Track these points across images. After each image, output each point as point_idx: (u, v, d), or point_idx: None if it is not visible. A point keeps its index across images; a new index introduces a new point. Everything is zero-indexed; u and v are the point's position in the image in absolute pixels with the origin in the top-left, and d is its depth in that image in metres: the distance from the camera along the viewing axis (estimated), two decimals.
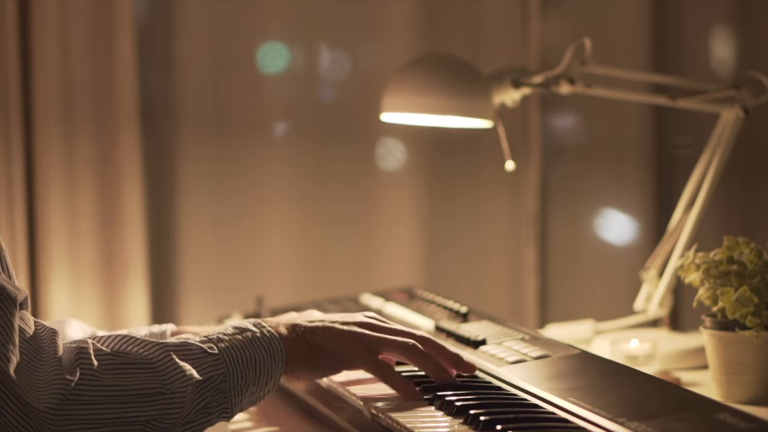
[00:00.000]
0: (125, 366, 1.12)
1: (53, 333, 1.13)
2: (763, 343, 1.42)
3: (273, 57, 2.43)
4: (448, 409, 1.20)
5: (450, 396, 1.22)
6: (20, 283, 2.18)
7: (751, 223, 2.47)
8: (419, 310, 1.68)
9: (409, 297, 1.78)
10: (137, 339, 1.15)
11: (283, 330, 1.22)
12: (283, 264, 2.42)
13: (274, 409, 1.50)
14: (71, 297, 2.23)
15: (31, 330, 1.11)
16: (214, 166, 2.39)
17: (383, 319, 1.32)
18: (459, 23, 2.48)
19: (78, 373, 1.09)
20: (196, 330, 1.45)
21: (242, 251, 2.41)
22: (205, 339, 1.18)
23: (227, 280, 2.40)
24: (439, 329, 1.55)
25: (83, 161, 2.24)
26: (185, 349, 1.15)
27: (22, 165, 2.20)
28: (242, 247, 2.41)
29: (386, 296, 1.79)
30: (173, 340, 1.17)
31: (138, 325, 2.24)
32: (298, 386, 1.49)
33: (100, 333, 1.50)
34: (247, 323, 1.22)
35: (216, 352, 1.16)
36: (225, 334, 1.19)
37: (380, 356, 1.27)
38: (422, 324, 1.60)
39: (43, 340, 1.11)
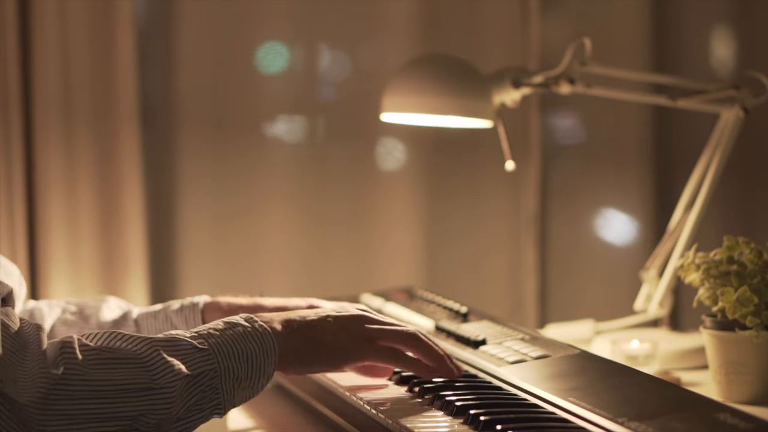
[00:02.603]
0: (112, 360, 1.10)
1: (38, 328, 1.11)
2: (763, 343, 1.42)
3: (273, 57, 2.43)
4: (448, 409, 1.20)
5: (450, 396, 1.22)
6: None
7: (751, 223, 2.47)
8: (419, 310, 1.68)
9: (409, 297, 1.78)
10: (125, 335, 1.13)
11: (276, 325, 1.20)
12: (283, 263, 2.42)
13: (275, 410, 1.50)
14: (71, 296, 2.23)
15: (15, 325, 1.10)
16: (214, 166, 2.39)
17: (375, 312, 1.30)
18: (459, 23, 2.48)
19: (62, 368, 1.07)
20: (230, 300, 1.44)
21: (242, 251, 2.41)
22: (195, 335, 1.16)
23: (227, 279, 2.40)
24: (439, 329, 1.55)
25: (83, 161, 2.24)
26: (174, 345, 1.14)
27: (22, 165, 2.20)
28: (242, 247, 2.41)
29: (386, 296, 1.80)
30: (161, 336, 1.15)
31: None
32: (298, 387, 1.49)
33: (136, 309, 1.49)
34: (239, 318, 1.20)
35: (206, 347, 1.14)
36: (216, 330, 1.17)
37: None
38: (422, 324, 1.60)
39: (28, 336, 1.09)
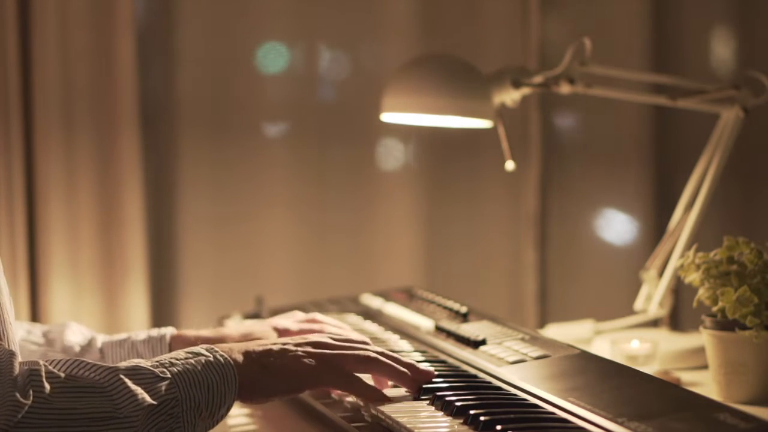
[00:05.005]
0: (77, 389, 1.11)
1: (11, 354, 1.11)
2: (763, 343, 1.42)
3: (273, 57, 2.43)
4: (448, 409, 1.20)
5: (450, 396, 1.22)
6: (20, 286, 2.19)
7: (751, 223, 2.47)
8: (419, 310, 1.68)
9: (409, 297, 1.78)
10: (88, 363, 1.14)
11: (237, 356, 1.21)
12: (283, 266, 2.42)
13: (275, 410, 1.50)
14: (71, 299, 2.23)
15: None
16: (214, 167, 2.39)
17: (335, 334, 1.30)
18: (459, 23, 2.48)
19: (30, 397, 1.08)
20: (195, 334, 1.45)
21: (242, 253, 2.40)
22: (157, 363, 1.17)
23: (227, 282, 2.40)
24: (439, 329, 1.55)
25: (83, 162, 2.24)
26: (137, 373, 1.14)
27: (22, 166, 2.20)
28: (242, 249, 2.40)
29: (386, 296, 1.80)
30: (124, 364, 1.16)
31: (138, 327, 2.24)
32: None
33: (100, 337, 1.49)
34: (200, 348, 1.21)
35: (168, 376, 1.15)
36: (177, 359, 1.18)
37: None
38: (422, 324, 1.60)
39: (1, 362, 1.10)
